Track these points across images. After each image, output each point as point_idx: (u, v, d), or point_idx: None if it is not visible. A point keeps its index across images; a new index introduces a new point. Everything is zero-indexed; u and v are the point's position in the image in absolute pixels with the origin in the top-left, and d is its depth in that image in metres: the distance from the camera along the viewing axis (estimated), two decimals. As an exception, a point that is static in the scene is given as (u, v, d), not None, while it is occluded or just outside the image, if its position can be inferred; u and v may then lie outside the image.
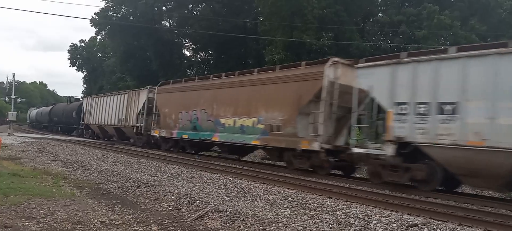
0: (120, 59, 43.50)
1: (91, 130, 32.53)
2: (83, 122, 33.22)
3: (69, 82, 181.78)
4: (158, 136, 21.38)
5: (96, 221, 7.03)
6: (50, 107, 51.20)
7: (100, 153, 18.44)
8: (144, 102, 23.30)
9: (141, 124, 23.34)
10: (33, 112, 65.39)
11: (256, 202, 8.64)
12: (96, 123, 30.12)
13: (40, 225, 6.62)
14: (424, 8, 25.19)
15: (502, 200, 9.91)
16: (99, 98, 30.64)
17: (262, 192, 9.38)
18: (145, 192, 10.05)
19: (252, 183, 10.41)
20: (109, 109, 27.65)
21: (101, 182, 11.53)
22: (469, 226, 6.45)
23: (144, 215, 7.83)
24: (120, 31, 39.35)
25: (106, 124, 28.41)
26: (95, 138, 31.81)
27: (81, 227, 6.62)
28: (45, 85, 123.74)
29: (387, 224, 6.70)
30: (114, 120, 27.01)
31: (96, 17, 41.11)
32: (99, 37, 54.30)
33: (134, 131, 24.00)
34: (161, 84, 22.83)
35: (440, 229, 6.29)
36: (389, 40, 28.60)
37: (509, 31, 24.59)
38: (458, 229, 6.25)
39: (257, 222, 7.15)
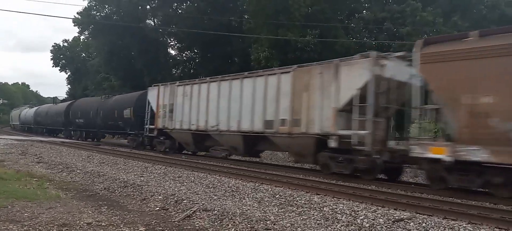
0: (104, 59, 42.96)
1: (169, 139, 19.89)
2: (152, 126, 20.60)
3: (52, 83, 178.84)
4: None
5: (82, 223, 6.95)
6: (36, 108, 49.00)
7: (86, 154, 18.21)
8: (365, 85, 11.58)
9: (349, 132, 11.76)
10: (15, 113, 62.26)
11: (244, 200, 8.65)
12: (193, 127, 17.78)
13: (24, 228, 6.51)
14: (407, 5, 25.44)
15: (487, 194, 10.09)
16: (201, 85, 17.85)
17: (250, 190, 9.39)
18: (132, 193, 9.97)
19: (240, 181, 10.42)
20: (238, 103, 15.56)
21: (87, 184, 11.40)
22: (453, 220, 6.56)
23: (131, 215, 7.77)
24: (104, 30, 38.82)
25: (224, 129, 16.13)
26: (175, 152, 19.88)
27: (67, 229, 6.54)
28: (28, 86, 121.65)
29: (373, 219, 6.77)
30: (253, 121, 14.88)
31: (79, 17, 40.52)
32: (82, 37, 53.56)
33: (334, 144, 12.07)
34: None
35: (425, 223, 6.38)
36: (374, 37, 28.83)
37: (490, 26, 25.01)
38: (443, 223, 6.34)
39: (245, 220, 7.16)
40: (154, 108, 20.49)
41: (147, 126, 21.22)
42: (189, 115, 17.96)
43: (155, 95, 20.56)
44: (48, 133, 42.16)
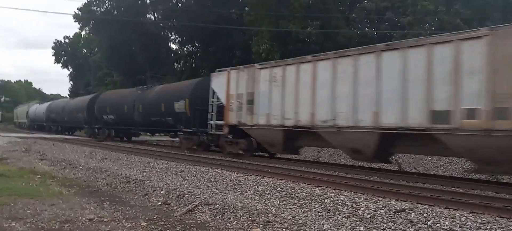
0: (105, 54, 42.96)
1: (245, 138, 15.24)
2: (220, 122, 16.11)
3: (54, 79, 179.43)
4: None
5: (84, 219, 6.99)
6: (48, 103, 44.93)
7: (88, 151, 18.28)
8: None
9: None
10: (21, 110, 58.38)
11: (245, 194, 8.66)
12: (288, 123, 13.19)
13: (27, 225, 6.55)
14: (408, -7, 25.27)
15: (488, 182, 10.07)
16: (299, 66, 13.11)
17: (252, 183, 9.39)
18: (134, 188, 10.01)
19: (242, 175, 10.42)
20: (372, 87, 10.99)
21: (90, 180, 11.44)
22: (455, 209, 6.55)
23: (133, 211, 7.80)
24: (105, 26, 38.79)
25: (347, 125, 11.54)
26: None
27: (69, 225, 6.58)
28: (31, 83, 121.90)
29: (375, 211, 6.76)
30: (405, 112, 10.26)
31: (79, 13, 40.49)
32: (83, 33, 53.55)
33: None
34: None
35: (427, 213, 6.37)
36: (375, 27, 28.65)
37: (493, 14, 24.79)
38: (444, 213, 6.33)
39: (247, 213, 7.17)
40: (222, 99, 15.95)
41: (212, 122, 16.41)
42: (280, 106, 13.27)
43: (224, 83, 15.89)
44: (64, 131, 38.88)
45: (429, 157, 15.02)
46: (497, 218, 6.00)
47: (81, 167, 13.52)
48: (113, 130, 27.54)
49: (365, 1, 30.50)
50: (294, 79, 13.01)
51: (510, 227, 5.59)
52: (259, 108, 14.25)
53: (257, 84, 14.42)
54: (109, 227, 6.58)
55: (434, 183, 9.45)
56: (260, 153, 15.68)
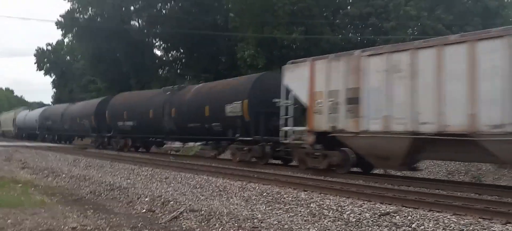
0: (89, 62, 42.52)
1: (338, 149, 11.72)
2: (299, 129, 12.87)
3: (37, 87, 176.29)
4: None
5: (66, 227, 6.87)
6: (41, 109, 39.82)
7: (72, 158, 17.98)
8: None
9: None
10: (5, 118, 52.40)
11: (231, 200, 8.62)
12: (426, 129, 9.56)
13: (8, 235, 6.41)
14: (390, 0, 25.65)
15: (471, 184, 10.23)
16: (443, 49, 9.41)
17: (237, 189, 9.35)
18: (118, 196, 9.89)
19: (227, 181, 10.35)
20: None
21: (73, 188, 11.27)
22: (438, 211, 6.61)
23: (117, 218, 7.69)
24: (88, 33, 38.39)
25: None
26: None
27: (51, 235, 6.46)
28: (12, 91, 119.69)
29: (360, 214, 6.79)
30: None
31: (62, 20, 40.02)
32: (66, 40, 52.90)
33: None
34: None
35: (411, 216, 6.42)
36: (359, 33, 29.00)
37: (473, 19, 25.32)
38: (428, 215, 6.39)
39: (233, 219, 7.14)
40: (302, 98, 12.37)
41: (287, 128, 12.86)
42: (410, 106, 9.77)
43: (304, 78, 12.26)
44: (62, 140, 34.63)
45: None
46: (479, 219, 6.08)
47: (64, 175, 13.31)
48: (130, 139, 22.74)
49: (349, 7, 30.88)
50: (434, 68, 9.38)
51: (491, 228, 5.67)
52: (369, 110, 10.57)
53: (365, 77, 10.77)
54: (93, 235, 6.48)
55: (419, 186, 9.56)
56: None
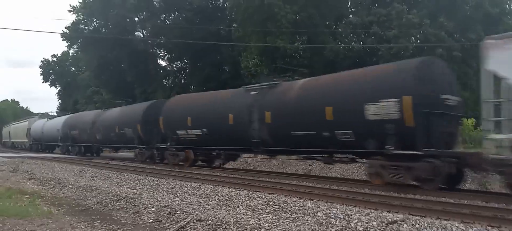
0: (94, 72, 42.84)
1: None
2: None
3: (42, 98, 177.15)
4: None
5: (75, 238, 6.90)
6: (65, 117, 33.82)
7: (78, 169, 18.05)
8: None
9: None
10: (17, 128, 47.63)
11: (237, 209, 8.62)
12: None
13: (17, 246, 6.44)
14: (392, 8, 25.76)
15: (477, 191, 10.19)
16: None
17: (244, 198, 9.36)
18: (125, 206, 9.90)
19: (234, 190, 10.38)
20: None
21: (80, 198, 11.29)
22: (446, 219, 6.61)
23: (125, 229, 7.72)
24: (93, 44, 38.79)
25: None
26: None
27: (60, 246, 6.49)
28: (18, 102, 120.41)
29: (367, 223, 6.79)
30: None
31: (67, 31, 40.41)
32: (71, 51, 53.35)
33: None
34: None
35: (419, 224, 6.42)
36: (361, 41, 29.10)
37: (475, 25, 25.40)
38: (436, 223, 6.39)
39: (239, 228, 7.14)
40: None
41: (501, 136, 8.59)
42: None
43: None
44: (88, 152, 29.42)
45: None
46: (487, 227, 6.08)
47: (70, 186, 13.35)
48: (194, 151, 18.00)
49: (351, 16, 31.04)
50: None
51: (500, 236, 5.68)
52: None
53: None
54: (101, 246, 6.50)
55: (425, 194, 9.53)
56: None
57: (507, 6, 27.90)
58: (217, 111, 16.28)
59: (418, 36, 26.09)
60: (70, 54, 60.42)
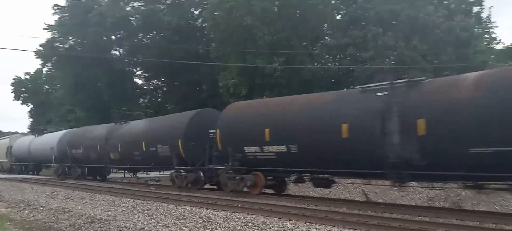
0: (69, 91, 41.97)
1: None
2: None
3: (12, 117, 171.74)
4: None
5: (46, 263, 6.62)
6: (63, 132, 27.90)
7: (50, 190, 17.49)
8: None
9: None
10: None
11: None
12: None
13: (-17, 273, 6.13)
14: (368, 30, 26.41)
15: (452, 210, 10.37)
16: None
17: (222, 219, 9.24)
18: (99, 228, 9.60)
19: (211, 211, 10.24)
20: None
21: (51, 221, 10.89)
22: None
23: (99, 253, 7.47)
24: (68, 62, 38.13)
25: None
26: None
27: (29, 271, 6.21)
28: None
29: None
30: None
31: (41, 49, 39.64)
32: (45, 69, 52.25)
33: None
34: None
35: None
36: (338, 62, 29.64)
37: (446, 48, 26.22)
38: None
39: (218, 251, 7.02)
40: None
41: None
42: None
43: None
44: (98, 174, 24.92)
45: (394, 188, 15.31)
46: None
47: (41, 208, 12.89)
48: (264, 174, 13.76)
49: (327, 38, 31.64)
50: None
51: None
52: None
53: None
54: (73, 271, 6.26)
55: (402, 212, 9.64)
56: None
57: (476, 29, 28.97)
58: (317, 121, 12.04)
59: (392, 57, 26.76)
60: (44, 72, 59.22)
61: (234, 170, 14.34)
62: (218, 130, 14.86)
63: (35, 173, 32.12)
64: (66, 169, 25.63)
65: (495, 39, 31.34)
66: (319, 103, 12.79)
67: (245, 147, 13.87)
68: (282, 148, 12.74)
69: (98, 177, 24.86)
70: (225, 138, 14.64)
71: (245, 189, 14.24)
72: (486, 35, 28.41)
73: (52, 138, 28.47)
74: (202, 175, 16.28)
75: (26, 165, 32.91)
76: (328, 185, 13.16)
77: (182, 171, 17.04)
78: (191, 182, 16.45)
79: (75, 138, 25.41)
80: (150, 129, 19.29)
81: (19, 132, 41.30)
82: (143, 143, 18.81)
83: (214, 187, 16.13)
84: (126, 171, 24.14)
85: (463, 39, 26.05)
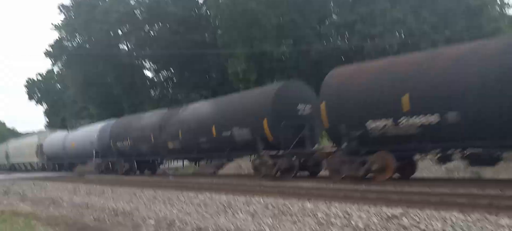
0: (80, 89, 42.42)
1: None
2: None
3: (28, 118, 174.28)
4: None
5: (75, 257, 6.82)
6: (111, 122, 24.72)
7: (72, 186, 17.84)
8: None
9: None
10: (19, 145, 39.30)
11: (237, 215, 8.61)
12: None
13: (18, 270, 6.34)
14: (376, 5, 26.06)
15: (472, 180, 10.33)
16: None
17: (242, 204, 9.36)
18: (123, 220, 9.81)
19: (231, 196, 10.36)
20: None
21: (76, 217, 11.16)
22: (444, 210, 6.68)
23: (125, 244, 7.65)
24: (77, 60, 38.49)
25: None
26: None
27: (61, 265, 6.40)
28: (4, 124, 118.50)
29: (367, 219, 6.85)
30: None
31: (51, 49, 40.02)
32: (56, 68, 52.84)
33: None
34: None
35: (418, 217, 6.49)
36: (346, 40, 29.38)
37: (456, 19, 25.78)
38: (435, 215, 6.47)
39: (241, 235, 7.14)
40: None
41: None
42: None
43: None
44: (149, 167, 22.50)
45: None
46: (485, 215, 6.17)
47: (65, 204, 13.19)
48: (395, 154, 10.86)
49: (333, 16, 31.31)
50: None
51: (499, 222, 5.76)
52: None
53: None
54: (103, 262, 6.44)
55: (421, 186, 9.64)
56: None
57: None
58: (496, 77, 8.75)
59: (402, 31, 26.42)
60: (55, 72, 59.91)
61: (350, 152, 11.29)
62: (324, 103, 11.88)
63: (71, 171, 30.18)
64: (110, 164, 23.47)
65: (507, 4, 30.61)
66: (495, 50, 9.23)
67: (369, 122, 10.78)
68: (431, 119, 9.67)
69: (145, 171, 22.44)
70: (334, 112, 11.55)
71: (370, 174, 11.22)
72: (499, 0, 27.70)
73: (90, 132, 26.21)
74: (296, 160, 13.44)
75: (60, 163, 31.06)
76: (492, 162, 10.05)
77: (267, 157, 13.92)
78: (283, 170, 13.59)
79: (119, 129, 22.70)
80: (221, 110, 16.36)
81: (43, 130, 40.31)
82: (213, 127, 16.02)
83: (306, 173, 14.04)
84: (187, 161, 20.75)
85: (474, 7, 25.58)
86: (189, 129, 17.17)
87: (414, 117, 9.85)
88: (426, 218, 6.37)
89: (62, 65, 43.90)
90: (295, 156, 13.30)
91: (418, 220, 6.38)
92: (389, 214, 6.90)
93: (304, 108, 13.32)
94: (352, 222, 6.84)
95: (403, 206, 7.33)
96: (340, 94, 11.53)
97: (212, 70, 36.40)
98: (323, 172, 13.40)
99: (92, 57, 36.58)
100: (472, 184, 9.16)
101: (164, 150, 18.76)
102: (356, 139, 11.06)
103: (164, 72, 41.42)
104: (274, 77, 26.21)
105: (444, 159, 10.37)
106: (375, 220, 6.74)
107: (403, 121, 10.03)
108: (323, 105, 11.74)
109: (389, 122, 10.33)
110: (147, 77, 42.46)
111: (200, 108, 17.62)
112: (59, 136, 31.64)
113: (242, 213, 8.77)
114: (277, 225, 7.34)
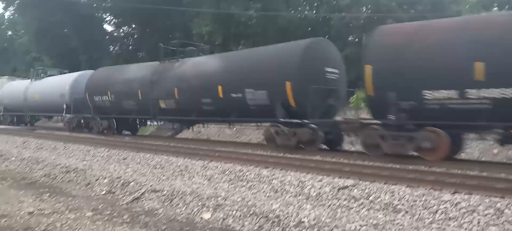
0: (34, 37, 40.15)
1: None
2: None
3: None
4: None
5: (22, 212, 6.63)
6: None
7: (21, 140, 17.13)
8: None
9: None
10: None
11: (193, 179, 8.62)
12: None
13: (-42, 224, 6.08)
14: (345, -22, 26.03)
15: (422, 158, 10.71)
16: None
17: (199, 168, 9.35)
18: (75, 178, 9.60)
19: (189, 160, 10.29)
20: None
21: (25, 171, 10.80)
22: (394, 184, 6.96)
23: (76, 201, 7.52)
24: (32, 6, 36.23)
25: None
26: None
27: (6, 220, 6.22)
28: None
29: (320, 188, 7.04)
30: None
31: (3, -8, 37.44)
32: (7, 13, 49.61)
33: None
34: None
35: (368, 189, 6.74)
36: (314, 10, 29.32)
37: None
38: (384, 188, 6.72)
39: (196, 198, 7.17)
40: None
41: None
42: None
43: None
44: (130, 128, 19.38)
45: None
46: (430, 190, 6.48)
47: (14, 158, 12.72)
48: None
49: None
50: None
51: (441, 198, 6.07)
52: None
53: None
54: (52, 219, 6.29)
55: (373, 160, 9.95)
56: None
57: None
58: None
59: (369, 6, 26.64)
60: (6, 17, 56.25)
61: (395, 125, 9.45)
62: (369, 66, 9.73)
63: (30, 125, 26.65)
64: (82, 121, 20.00)
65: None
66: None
67: (425, 91, 9.01)
68: (508, 92, 8.04)
69: (124, 132, 19.05)
70: (383, 78, 9.51)
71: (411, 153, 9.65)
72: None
73: (60, 82, 22.21)
74: (320, 131, 11.19)
75: (20, 115, 26.76)
76: None
77: (283, 125, 11.71)
78: (305, 141, 11.44)
79: (98, 82, 19.06)
80: (231, 68, 13.54)
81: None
82: (220, 87, 13.36)
83: (326, 147, 11.98)
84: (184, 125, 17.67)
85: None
86: (189, 87, 14.41)
87: (489, 88, 8.20)
88: (376, 191, 6.62)
89: (14, 10, 41.25)
90: (316, 126, 11.17)
91: (367, 191, 6.61)
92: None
93: (332, 72, 11.52)
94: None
95: (355, 178, 7.53)
96: (394, 57, 9.47)
97: (175, 29, 35.35)
98: (346, 146, 12.19)
99: (47, 4, 34.51)
100: (422, 162, 9.52)
101: (154, 109, 15.87)
102: (407, 111, 9.26)
103: (125, 28, 39.92)
104: (239, 42, 25.81)
105: (506, 141, 8.85)
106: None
107: (472, 93, 8.41)
108: (368, 69, 9.69)
109: (453, 92, 8.63)
110: (107, 31, 40.82)
111: (203, 63, 14.71)
112: (19, 85, 27.23)
113: (198, 177, 8.76)
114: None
